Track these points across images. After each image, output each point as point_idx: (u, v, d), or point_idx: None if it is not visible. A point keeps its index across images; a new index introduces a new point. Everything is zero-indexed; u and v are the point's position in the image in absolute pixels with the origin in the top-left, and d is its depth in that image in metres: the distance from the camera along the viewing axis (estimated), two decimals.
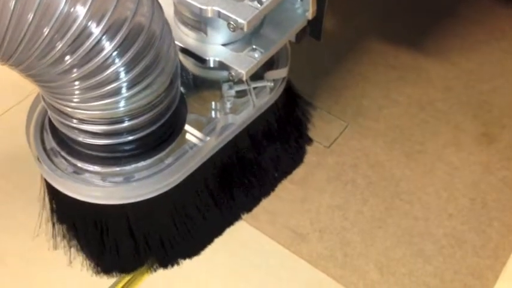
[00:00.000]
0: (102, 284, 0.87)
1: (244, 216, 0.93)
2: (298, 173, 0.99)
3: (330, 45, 1.17)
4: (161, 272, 0.88)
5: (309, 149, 1.02)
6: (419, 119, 1.06)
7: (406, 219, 0.94)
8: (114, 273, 0.87)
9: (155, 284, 0.87)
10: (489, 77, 1.13)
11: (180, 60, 0.88)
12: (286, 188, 0.97)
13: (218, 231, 0.92)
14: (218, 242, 0.91)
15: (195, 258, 0.89)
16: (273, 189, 0.96)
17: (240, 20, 0.75)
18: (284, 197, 0.96)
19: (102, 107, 0.70)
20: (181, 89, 0.86)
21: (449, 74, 1.13)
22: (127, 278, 0.87)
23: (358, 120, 1.06)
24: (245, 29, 0.76)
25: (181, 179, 0.82)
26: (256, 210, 0.94)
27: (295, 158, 1.00)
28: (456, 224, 0.93)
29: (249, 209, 0.94)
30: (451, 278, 0.88)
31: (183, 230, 0.88)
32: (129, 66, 0.67)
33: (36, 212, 0.90)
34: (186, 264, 0.89)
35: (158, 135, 0.79)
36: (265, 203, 0.95)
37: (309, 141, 1.02)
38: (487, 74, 1.13)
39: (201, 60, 0.83)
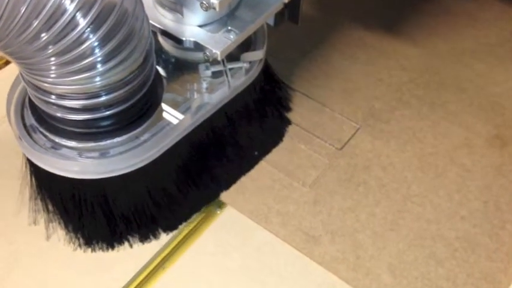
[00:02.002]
0: (115, 285, 0.87)
1: (256, 219, 0.94)
2: (310, 175, 0.99)
3: (343, 48, 1.17)
4: (174, 275, 0.88)
5: (321, 151, 1.02)
6: (431, 121, 1.06)
7: (418, 221, 0.94)
8: (95, 245, 0.90)
9: (167, 287, 0.87)
10: (501, 79, 1.12)
11: (159, 42, 0.94)
12: (298, 190, 0.97)
13: (196, 207, 0.94)
14: (232, 244, 0.91)
15: (208, 262, 0.90)
16: (252, 167, 0.99)
17: (212, 0, 0.78)
18: (296, 199, 0.96)
19: (77, 82, 0.73)
20: (160, 70, 0.91)
21: (461, 76, 1.13)
22: (138, 280, 0.88)
23: (370, 122, 1.06)
24: (217, 9, 0.79)
25: (156, 155, 0.84)
26: (269, 212, 0.94)
27: (274, 138, 1.03)
28: (469, 226, 0.93)
29: (227, 186, 0.96)
30: (464, 282, 0.87)
31: (160, 205, 0.90)
32: (103, 42, 0.71)
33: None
34: (199, 268, 0.89)
35: (133, 112, 0.82)
36: (277, 205, 0.95)
37: (288, 122, 1.05)
38: (499, 76, 1.13)
39: (177, 40, 0.86)
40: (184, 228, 0.93)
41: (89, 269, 0.88)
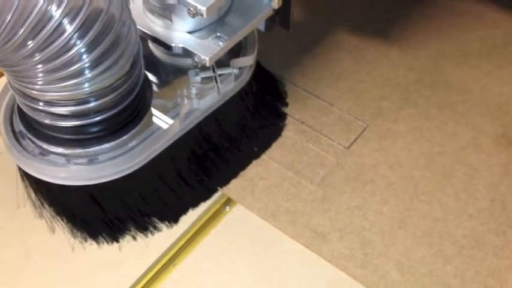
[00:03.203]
0: (125, 282, 0.88)
1: (265, 216, 0.94)
2: (318, 173, 0.99)
3: (350, 49, 1.18)
4: (183, 272, 0.89)
5: (329, 149, 1.02)
6: (438, 121, 1.07)
7: (426, 220, 0.94)
8: (101, 238, 0.91)
9: (176, 285, 0.88)
10: (508, 80, 1.13)
11: (149, 47, 0.94)
12: (306, 189, 0.97)
13: (194, 204, 0.96)
14: (240, 241, 0.92)
15: (217, 259, 0.90)
16: (251, 162, 1.00)
17: (199, 6, 0.79)
18: (304, 197, 0.96)
19: (65, 88, 0.73)
20: (150, 75, 0.91)
21: (467, 76, 1.14)
22: (149, 276, 0.89)
23: (377, 122, 1.06)
24: (204, 15, 0.79)
25: (146, 161, 0.85)
26: (277, 210, 0.95)
27: (272, 134, 1.04)
28: (476, 225, 0.94)
29: (226, 182, 0.98)
30: (471, 279, 0.88)
31: (155, 206, 0.92)
32: (90, 47, 0.70)
33: None
34: (209, 265, 0.90)
35: (121, 118, 0.82)
36: (285, 203, 0.96)
37: (285, 117, 1.06)
38: (505, 76, 1.14)
39: (166, 46, 0.87)
40: (193, 226, 0.94)
41: (99, 266, 0.89)
